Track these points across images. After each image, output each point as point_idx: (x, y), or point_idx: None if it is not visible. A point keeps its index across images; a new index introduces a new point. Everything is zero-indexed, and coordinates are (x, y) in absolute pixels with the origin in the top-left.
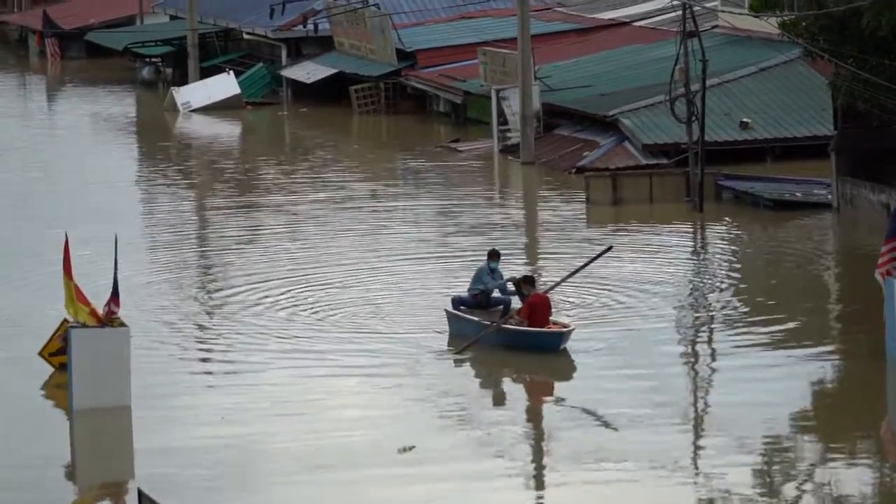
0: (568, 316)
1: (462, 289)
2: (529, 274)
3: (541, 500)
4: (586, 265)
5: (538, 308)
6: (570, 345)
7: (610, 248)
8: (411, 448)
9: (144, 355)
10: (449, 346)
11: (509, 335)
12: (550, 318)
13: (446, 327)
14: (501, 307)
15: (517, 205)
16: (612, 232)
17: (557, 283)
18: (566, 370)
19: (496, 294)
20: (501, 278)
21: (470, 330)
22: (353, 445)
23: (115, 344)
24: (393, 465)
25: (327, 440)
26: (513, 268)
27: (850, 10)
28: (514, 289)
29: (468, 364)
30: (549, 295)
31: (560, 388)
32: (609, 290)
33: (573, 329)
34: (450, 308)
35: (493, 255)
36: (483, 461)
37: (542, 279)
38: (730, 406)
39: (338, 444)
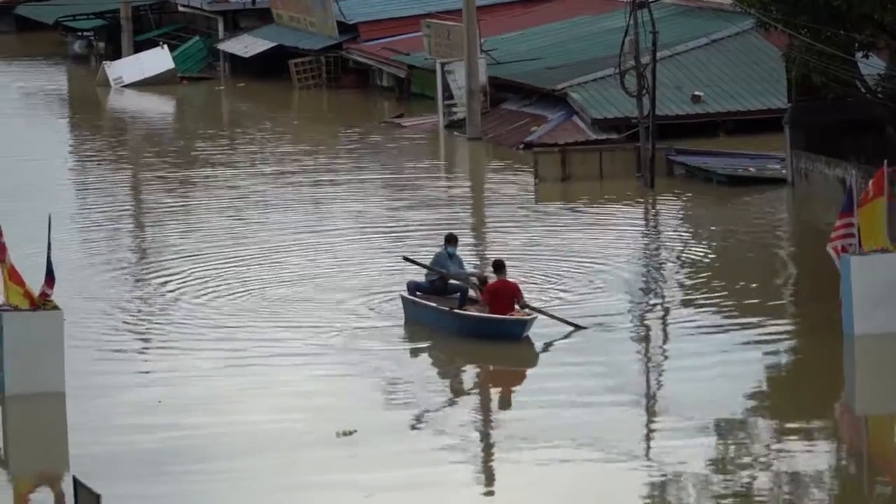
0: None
1: (410, 270)
2: (499, 259)
3: (490, 483)
4: (560, 320)
5: (500, 294)
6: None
7: (585, 328)
8: (352, 432)
9: (79, 339)
10: (404, 332)
11: (468, 322)
12: (515, 306)
13: (393, 308)
14: (459, 294)
15: (464, 181)
16: (561, 209)
17: (537, 312)
18: (523, 356)
19: (453, 280)
20: (461, 263)
21: (427, 316)
22: (292, 430)
23: (49, 328)
24: (331, 448)
25: (265, 425)
26: (462, 247)
27: None
28: (476, 283)
29: (421, 350)
30: (515, 282)
31: (513, 371)
32: (558, 275)
33: (535, 317)
34: (405, 293)
35: (451, 240)
36: (427, 442)
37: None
38: (684, 387)
39: (275, 429)
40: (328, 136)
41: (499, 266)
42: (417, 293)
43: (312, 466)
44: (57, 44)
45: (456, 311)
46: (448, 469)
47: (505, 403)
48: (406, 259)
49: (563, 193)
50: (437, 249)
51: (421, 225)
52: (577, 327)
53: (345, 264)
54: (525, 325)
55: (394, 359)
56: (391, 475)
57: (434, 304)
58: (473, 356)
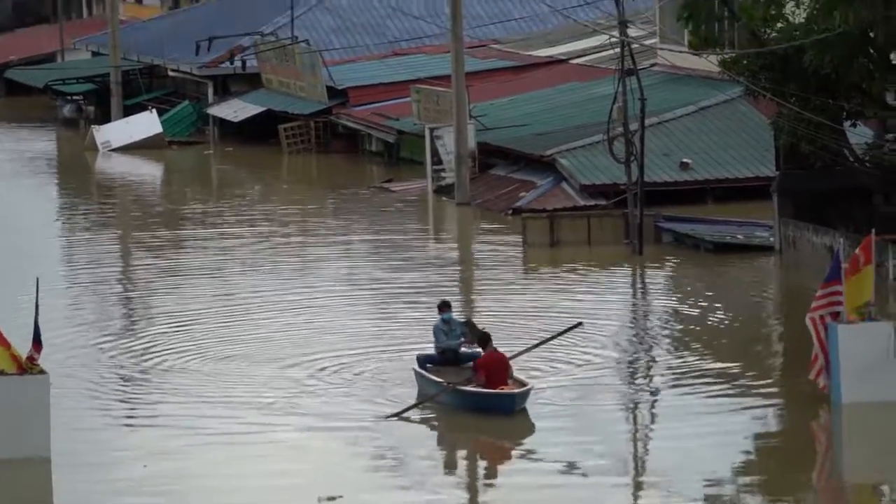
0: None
1: (388, 331)
2: (485, 332)
3: None
4: (553, 338)
5: (492, 367)
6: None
7: (580, 324)
8: (337, 497)
9: (64, 403)
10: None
11: (464, 397)
12: (509, 377)
13: (385, 375)
14: (472, 363)
15: (452, 245)
16: (550, 273)
17: (520, 353)
18: (515, 427)
19: (465, 349)
20: (458, 328)
21: (430, 389)
22: (277, 492)
23: (35, 392)
24: None
25: (251, 487)
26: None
27: (792, 47)
28: (474, 344)
29: (415, 422)
30: (504, 354)
31: (503, 441)
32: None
33: (530, 388)
34: (416, 366)
35: (444, 307)
36: None
37: (501, 342)
38: (671, 457)
39: (260, 489)
40: (317, 199)
41: (485, 339)
42: (428, 365)
43: None
44: (47, 108)
45: (450, 385)
46: None
47: (491, 473)
48: (390, 416)
49: (552, 258)
50: (434, 320)
51: (409, 287)
52: (574, 326)
53: (333, 327)
54: (515, 398)
55: (385, 427)
56: None
57: (434, 378)
58: (466, 427)
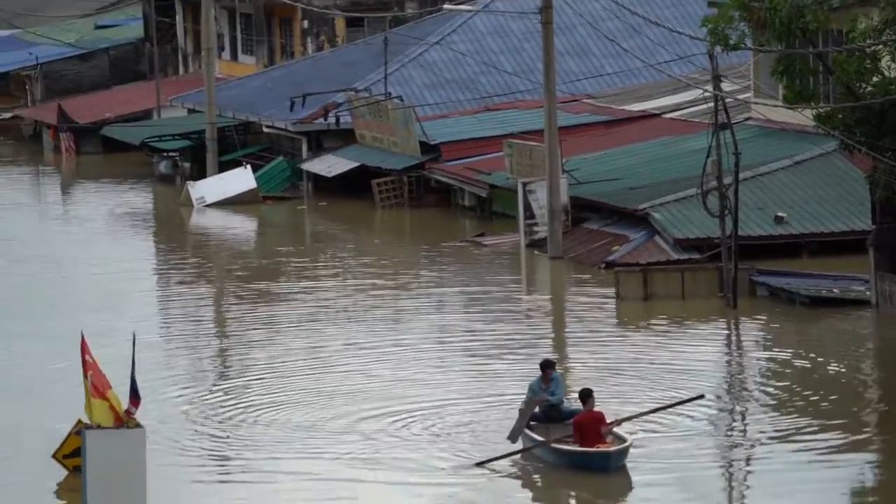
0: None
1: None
2: (587, 388)
3: None
4: (672, 406)
5: (587, 425)
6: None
7: (702, 396)
8: None
9: (158, 458)
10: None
11: (560, 454)
12: (606, 433)
13: (476, 427)
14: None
15: (545, 298)
16: (644, 327)
17: (636, 416)
18: (611, 485)
19: (569, 406)
20: (560, 386)
21: (530, 445)
22: None
23: (131, 446)
24: None
25: None
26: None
27: (888, 101)
28: (580, 405)
29: (513, 477)
30: (601, 411)
31: (599, 500)
32: (641, 394)
33: (629, 445)
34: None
35: (548, 365)
36: None
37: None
38: None
39: None
40: (409, 253)
41: (586, 396)
42: (532, 422)
43: None
44: (143, 164)
45: (546, 442)
46: None
47: None
48: (478, 464)
49: (646, 312)
50: (531, 379)
51: (502, 339)
52: (696, 398)
53: (425, 380)
54: (610, 456)
55: (481, 483)
56: None
57: (539, 437)
58: (564, 483)
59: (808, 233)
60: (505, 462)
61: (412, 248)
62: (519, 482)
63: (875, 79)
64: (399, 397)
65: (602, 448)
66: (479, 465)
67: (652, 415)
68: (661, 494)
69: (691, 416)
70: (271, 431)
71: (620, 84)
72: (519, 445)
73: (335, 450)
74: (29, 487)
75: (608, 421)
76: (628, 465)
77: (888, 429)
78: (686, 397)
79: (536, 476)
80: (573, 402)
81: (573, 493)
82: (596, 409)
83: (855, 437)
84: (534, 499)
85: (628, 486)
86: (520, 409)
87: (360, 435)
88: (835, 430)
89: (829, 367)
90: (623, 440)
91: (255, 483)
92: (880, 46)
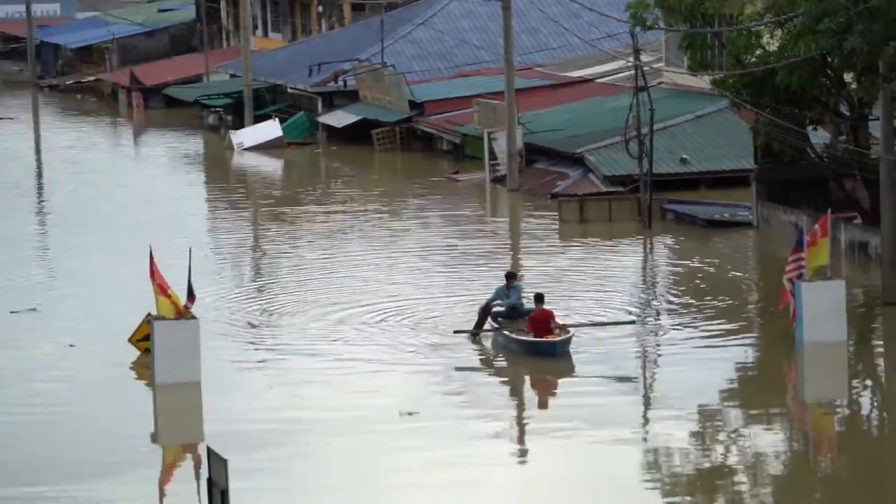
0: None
1: (464, 290)
2: (539, 292)
3: (523, 453)
4: (605, 324)
5: (539, 322)
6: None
7: (633, 322)
8: (415, 413)
9: (210, 341)
10: (490, 346)
11: (519, 343)
12: (554, 327)
13: (450, 324)
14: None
15: (504, 221)
16: (580, 243)
17: (575, 325)
18: (557, 366)
19: (527, 306)
20: (520, 293)
21: (500, 338)
22: (363, 410)
23: (189, 332)
24: (398, 424)
25: (350, 405)
26: (500, 270)
27: (767, 69)
28: (534, 305)
29: (482, 366)
30: (551, 310)
31: (545, 377)
32: (580, 294)
33: (570, 337)
34: (491, 321)
35: (511, 276)
36: (474, 423)
37: (560, 312)
38: (672, 381)
39: (357, 406)
40: (400, 186)
41: (538, 298)
42: (499, 319)
43: (386, 437)
44: (195, 117)
45: (507, 334)
46: (488, 438)
47: (535, 398)
48: (456, 332)
49: (581, 232)
50: (496, 284)
51: (470, 252)
52: (623, 322)
53: (413, 282)
54: (556, 345)
55: (456, 365)
56: (443, 448)
57: (502, 330)
58: (520, 366)
59: (705, 171)
60: (476, 348)
61: (403, 182)
62: (487, 364)
63: (758, 52)
64: (392, 294)
65: (550, 338)
66: (457, 332)
67: (591, 327)
68: (592, 370)
69: (615, 311)
70: (293, 321)
71: (562, 56)
72: (489, 331)
73: (338, 335)
74: (113, 364)
75: (558, 323)
76: (571, 350)
77: (765, 318)
78: (622, 320)
79: (501, 357)
80: (530, 301)
81: (528, 372)
82: (546, 307)
83: (740, 325)
84: (498, 374)
85: (571, 367)
86: (481, 308)
87: (357, 323)
88: (725, 319)
89: (721, 273)
90: (567, 332)
91: (283, 360)
92: (762, 27)
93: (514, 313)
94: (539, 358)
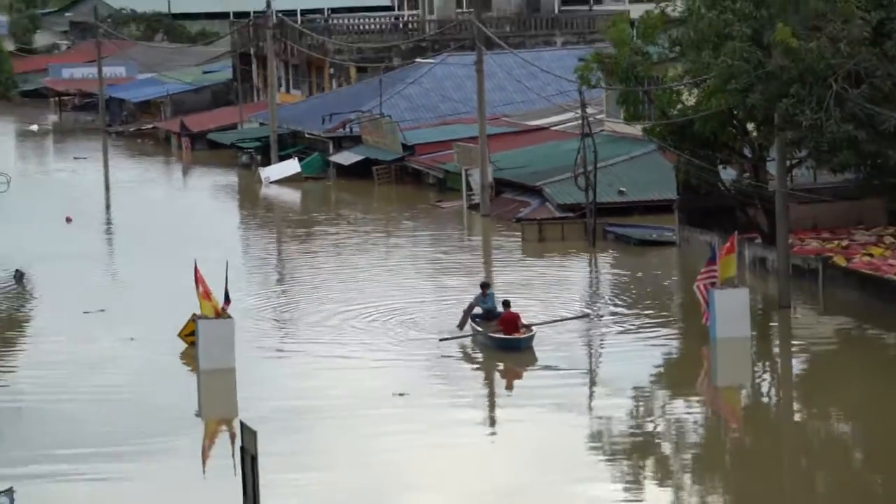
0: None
1: (447, 295)
2: (507, 299)
3: (492, 424)
4: (564, 320)
5: (507, 322)
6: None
7: (587, 315)
8: (405, 394)
9: (243, 335)
10: (471, 344)
11: (492, 340)
12: (521, 326)
13: (442, 325)
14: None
15: (478, 239)
16: (538, 257)
17: (539, 323)
18: (522, 359)
19: (500, 309)
20: (494, 299)
21: (477, 336)
22: (365, 391)
23: (226, 329)
24: (390, 402)
25: (351, 387)
26: (477, 279)
27: (686, 120)
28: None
29: (462, 355)
30: (518, 312)
31: (512, 368)
32: (538, 299)
33: (533, 334)
34: (469, 321)
35: (486, 286)
36: (454, 401)
37: (526, 312)
38: (612, 369)
39: (356, 389)
40: (395, 211)
41: (507, 303)
42: (477, 319)
43: (382, 413)
44: (232, 157)
45: (483, 332)
46: (465, 418)
47: (505, 383)
48: (442, 339)
49: (540, 249)
50: (475, 292)
51: (452, 264)
52: (579, 317)
53: (405, 287)
54: (521, 341)
55: (441, 356)
56: (428, 419)
57: (479, 329)
58: (493, 358)
59: (638, 200)
60: (458, 342)
61: (397, 209)
62: (466, 356)
63: (679, 106)
64: (385, 299)
65: (517, 336)
66: (442, 339)
67: (553, 323)
68: (550, 359)
69: (567, 313)
70: (308, 320)
71: (525, 108)
72: (468, 332)
73: (345, 331)
74: (167, 353)
75: (523, 322)
76: (534, 346)
77: (686, 319)
78: (576, 315)
79: (478, 351)
80: (500, 306)
81: (500, 363)
82: (513, 310)
83: (666, 324)
84: (475, 364)
85: (534, 359)
86: (464, 310)
87: (360, 322)
88: (654, 319)
89: (651, 282)
90: (530, 331)
91: (298, 354)
92: (682, 86)
93: (489, 316)
94: (508, 352)
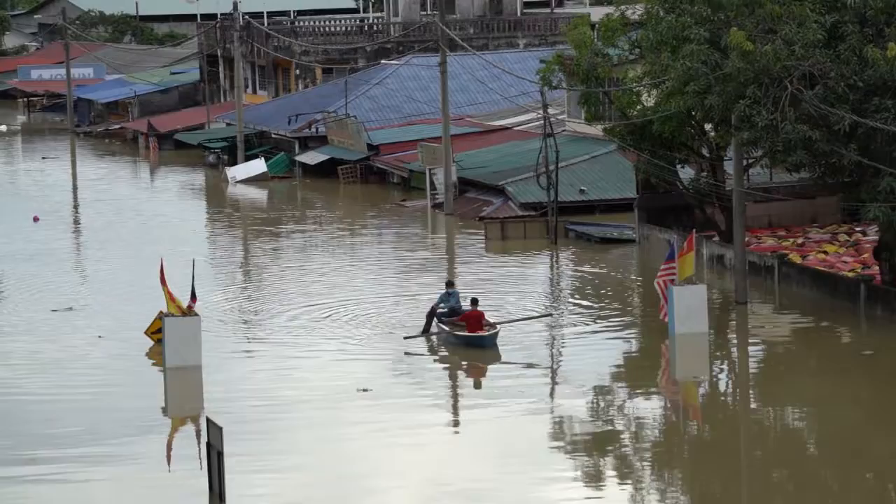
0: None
1: (411, 293)
2: (475, 297)
3: (455, 421)
4: (528, 319)
5: (472, 320)
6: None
7: (550, 315)
8: (369, 390)
9: (209, 334)
10: (435, 339)
11: (457, 337)
12: (485, 324)
13: (406, 323)
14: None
15: (442, 238)
16: (501, 255)
17: (503, 322)
18: (487, 355)
19: (465, 307)
20: (458, 297)
21: (442, 333)
22: (329, 388)
23: (192, 327)
24: (355, 399)
25: (317, 385)
26: (441, 277)
27: (645, 120)
28: (470, 306)
29: (427, 352)
30: (482, 311)
31: (477, 364)
32: (500, 295)
33: (497, 332)
34: (434, 320)
35: (450, 284)
36: (418, 398)
37: (489, 310)
38: (573, 364)
39: (321, 386)
40: (359, 210)
41: (474, 301)
42: (442, 318)
43: (346, 409)
44: (199, 156)
45: (447, 330)
46: (428, 410)
47: (469, 380)
48: (406, 338)
49: (503, 247)
50: (439, 288)
51: (416, 262)
52: (542, 316)
53: (368, 285)
54: (486, 339)
55: (404, 354)
56: (392, 416)
57: (443, 326)
58: (457, 355)
59: (598, 199)
60: (422, 339)
61: (362, 208)
62: (432, 353)
63: (638, 107)
64: (350, 297)
65: (481, 333)
66: (407, 337)
67: (517, 322)
68: (511, 357)
69: (530, 310)
70: (273, 320)
71: (488, 109)
72: (434, 330)
73: (309, 328)
74: (134, 351)
75: (488, 320)
76: (498, 343)
77: (645, 314)
78: (540, 313)
79: (443, 349)
80: (468, 304)
81: (465, 360)
82: (479, 308)
83: (626, 319)
84: (440, 361)
85: (498, 355)
86: (427, 314)
87: (324, 320)
88: (614, 315)
89: (611, 278)
90: (494, 328)
91: (264, 351)
92: (642, 88)
93: (453, 313)
94: (472, 349)
